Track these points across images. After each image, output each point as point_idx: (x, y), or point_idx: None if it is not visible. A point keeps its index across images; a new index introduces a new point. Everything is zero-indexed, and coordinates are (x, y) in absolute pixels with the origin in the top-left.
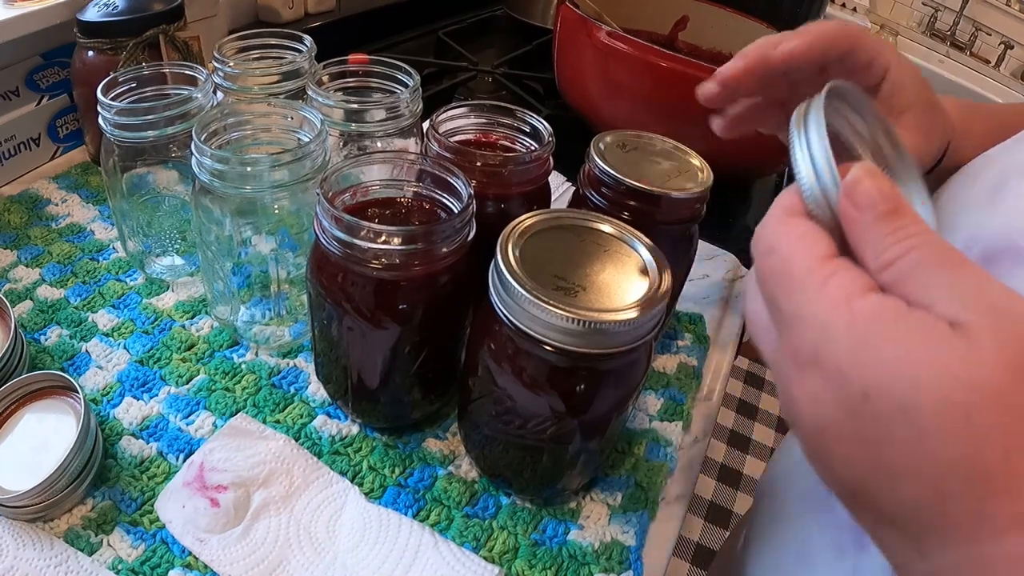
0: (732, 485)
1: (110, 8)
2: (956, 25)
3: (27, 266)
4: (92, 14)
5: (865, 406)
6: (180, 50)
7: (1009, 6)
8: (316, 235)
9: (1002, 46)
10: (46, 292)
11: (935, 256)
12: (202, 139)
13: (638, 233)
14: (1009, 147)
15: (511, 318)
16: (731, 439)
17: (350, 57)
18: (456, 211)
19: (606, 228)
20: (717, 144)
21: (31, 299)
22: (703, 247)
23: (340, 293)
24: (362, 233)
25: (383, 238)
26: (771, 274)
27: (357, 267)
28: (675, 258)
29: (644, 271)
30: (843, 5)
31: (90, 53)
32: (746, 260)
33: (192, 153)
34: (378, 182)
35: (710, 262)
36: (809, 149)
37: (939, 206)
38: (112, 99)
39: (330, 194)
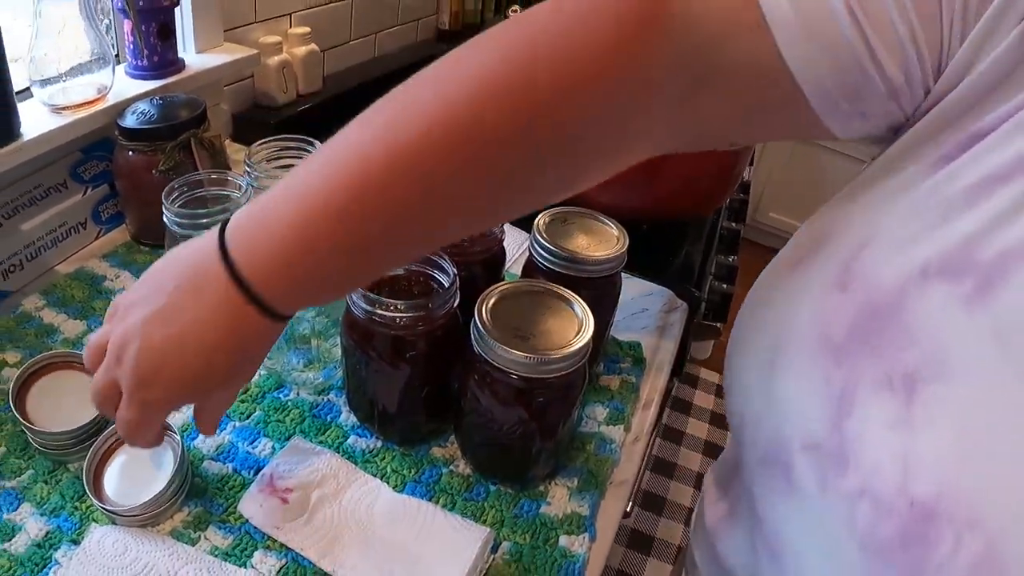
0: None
1: (146, 116)
2: None
3: None
4: (131, 121)
5: None
6: (207, 148)
7: None
8: (348, 306)
9: None
10: None
11: None
12: None
13: (571, 293)
14: (769, 298)
15: (487, 358)
16: (705, 449)
17: None
18: (446, 285)
19: (550, 290)
20: (652, 197)
21: None
22: (642, 284)
23: (367, 345)
24: (381, 305)
25: (396, 309)
26: None
27: (378, 328)
28: (603, 301)
29: (575, 320)
30: None
31: (131, 153)
32: (680, 294)
33: None
34: None
35: (648, 297)
36: None
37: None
38: (172, 201)
39: None
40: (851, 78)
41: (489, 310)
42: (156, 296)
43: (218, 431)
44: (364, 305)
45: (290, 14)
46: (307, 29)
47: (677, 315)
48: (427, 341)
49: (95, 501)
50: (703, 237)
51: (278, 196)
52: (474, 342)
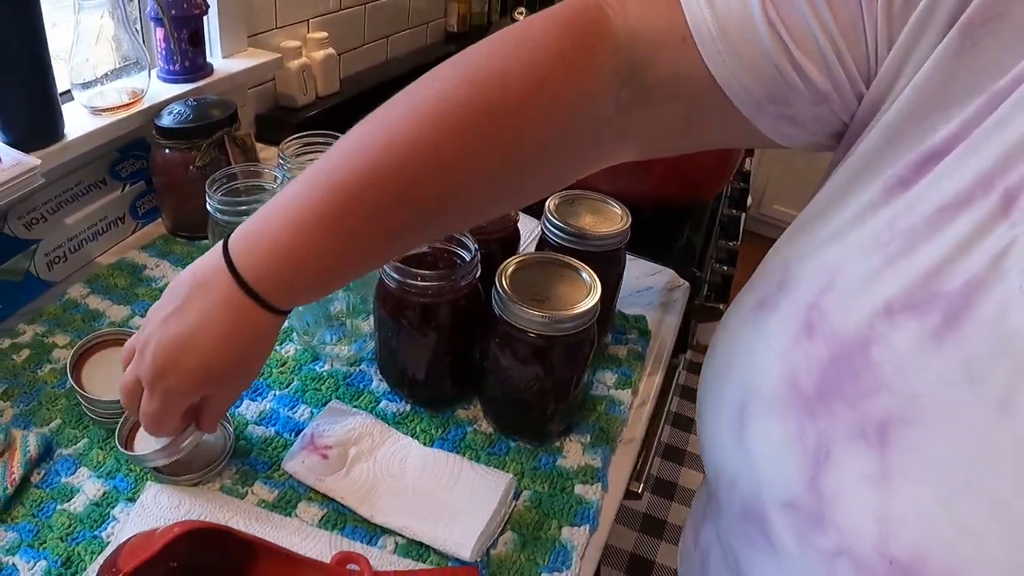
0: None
1: (182, 116)
2: None
3: (143, 317)
4: (167, 120)
5: None
6: (239, 145)
7: None
8: (381, 278)
9: None
10: None
11: None
12: None
13: (580, 263)
14: (735, 342)
15: (508, 319)
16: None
17: None
18: (467, 259)
19: (561, 260)
20: (651, 183)
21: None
22: (645, 265)
23: (398, 315)
24: (410, 277)
25: (424, 279)
26: None
27: (409, 297)
28: (608, 272)
29: (584, 286)
30: None
31: (167, 151)
32: (682, 273)
33: None
34: None
35: (652, 276)
36: None
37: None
38: (216, 190)
39: None
40: (776, 86)
41: (508, 277)
42: (173, 300)
43: (260, 399)
44: (396, 276)
45: (308, 20)
46: (325, 34)
47: (679, 293)
48: (452, 309)
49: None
50: (704, 223)
51: (274, 208)
52: (495, 305)
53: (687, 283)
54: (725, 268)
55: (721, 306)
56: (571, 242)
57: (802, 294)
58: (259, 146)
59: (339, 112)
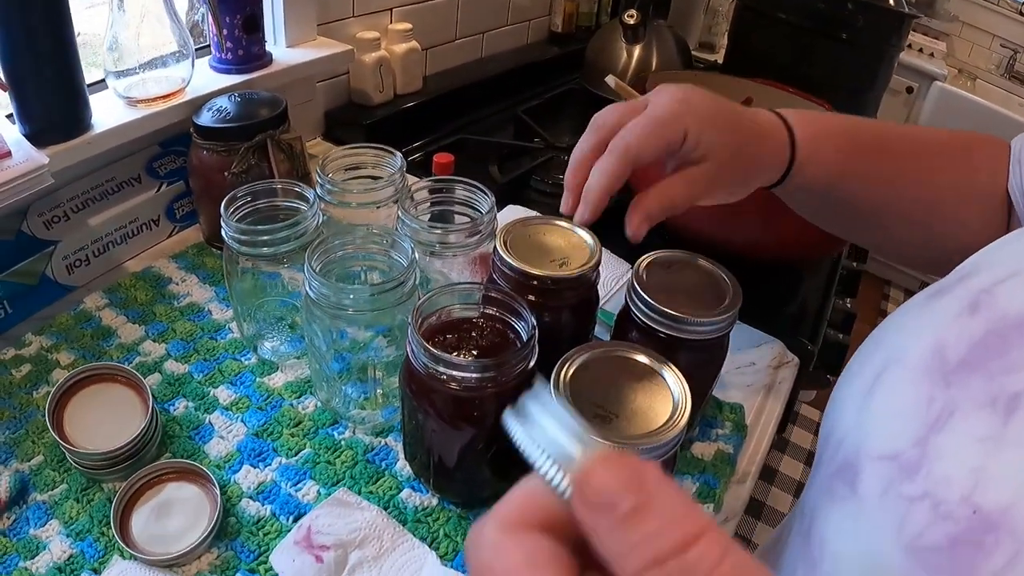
0: (755, 516)
1: (223, 114)
2: None
3: (155, 341)
4: (206, 118)
5: None
6: (285, 151)
7: None
8: (408, 354)
9: None
10: (172, 367)
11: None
12: (316, 269)
13: (668, 366)
14: (897, 322)
15: None
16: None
17: (435, 158)
18: (523, 338)
19: (640, 358)
20: (765, 233)
21: (160, 372)
22: (750, 334)
23: (425, 399)
24: (444, 362)
25: (461, 369)
26: None
27: (440, 386)
28: (706, 366)
29: (669, 400)
30: (920, 50)
31: (205, 152)
32: (792, 346)
33: (306, 277)
34: (458, 305)
35: (757, 350)
36: (544, 436)
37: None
38: (232, 213)
39: (420, 323)
40: None
41: (568, 383)
42: None
43: (262, 466)
44: (424, 359)
45: (391, 9)
46: (408, 26)
47: (787, 371)
48: (496, 402)
49: (123, 545)
50: (821, 280)
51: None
52: None
53: (796, 359)
54: (840, 336)
55: (830, 377)
56: (663, 325)
57: (979, 281)
58: (326, 147)
59: (419, 113)
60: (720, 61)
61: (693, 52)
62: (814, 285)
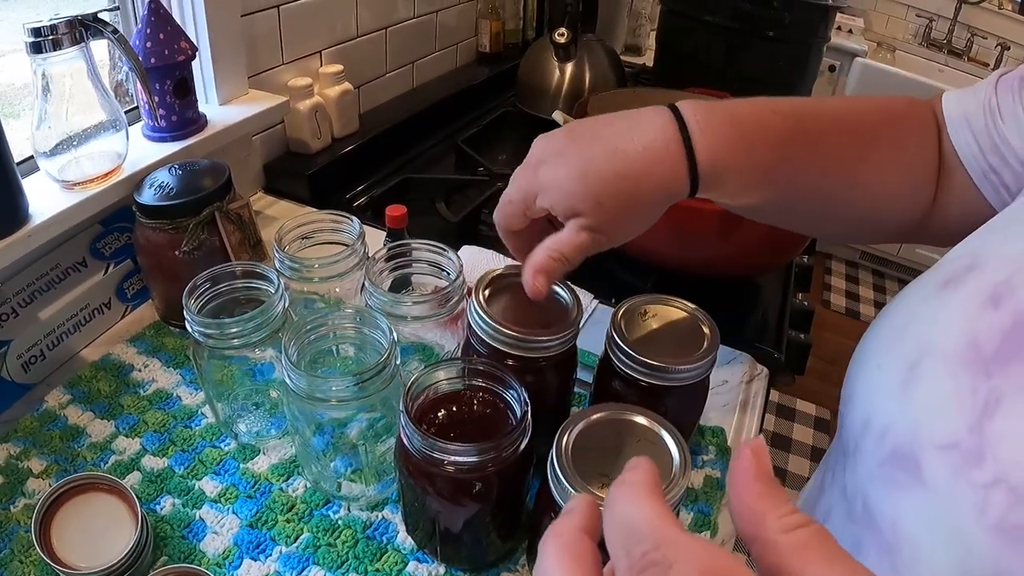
0: None
1: (165, 190)
2: (951, 32)
3: (127, 436)
4: (149, 196)
5: None
6: (234, 221)
7: (1001, 8)
8: (402, 438)
9: (999, 48)
10: (151, 462)
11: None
12: (293, 359)
13: (662, 424)
14: (914, 313)
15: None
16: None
17: (388, 211)
18: (515, 416)
19: (640, 420)
20: (721, 250)
21: (139, 470)
22: (720, 352)
23: (424, 479)
24: (440, 449)
25: (459, 454)
26: None
27: (436, 470)
28: (693, 403)
29: (669, 459)
30: (839, 27)
31: (151, 231)
32: (760, 357)
33: (284, 368)
34: (444, 380)
35: (728, 367)
36: None
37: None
38: (194, 303)
39: (412, 409)
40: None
41: (568, 450)
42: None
43: (263, 558)
44: (420, 446)
45: (320, 52)
46: (339, 67)
47: (759, 383)
48: (497, 478)
49: None
50: (779, 281)
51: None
52: (552, 487)
53: (766, 369)
54: (802, 336)
55: (796, 377)
56: (644, 375)
57: (992, 274)
58: (269, 201)
59: (359, 156)
60: (648, 64)
61: (621, 56)
62: (772, 290)
